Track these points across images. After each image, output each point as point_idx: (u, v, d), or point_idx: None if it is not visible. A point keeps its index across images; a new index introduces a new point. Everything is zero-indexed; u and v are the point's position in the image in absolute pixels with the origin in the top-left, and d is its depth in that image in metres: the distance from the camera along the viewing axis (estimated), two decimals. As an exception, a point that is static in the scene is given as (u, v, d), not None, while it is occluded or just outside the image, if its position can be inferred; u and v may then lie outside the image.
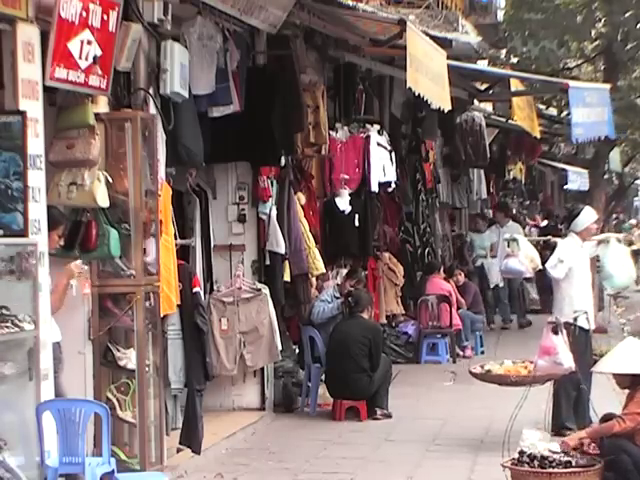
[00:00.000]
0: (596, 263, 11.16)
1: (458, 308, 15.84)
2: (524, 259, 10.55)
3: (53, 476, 6.74)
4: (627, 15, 17.85)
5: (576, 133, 13.61)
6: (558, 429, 9.36)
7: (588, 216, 10.46)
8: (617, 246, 10.78)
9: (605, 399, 9.11)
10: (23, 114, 6.80)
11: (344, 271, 12.88)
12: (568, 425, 9.66)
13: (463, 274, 17.07)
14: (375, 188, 13.85)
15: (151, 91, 8.47)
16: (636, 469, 7.31)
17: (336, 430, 10.66)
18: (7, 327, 6.48)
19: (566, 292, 10.19)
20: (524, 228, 21.74)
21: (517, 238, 10.81)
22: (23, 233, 6.81)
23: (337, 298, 11.89)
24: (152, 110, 8.43)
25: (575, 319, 9.68)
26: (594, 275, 10.87)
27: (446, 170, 19.47)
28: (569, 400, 9.92)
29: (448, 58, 11.46)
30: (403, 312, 15.83)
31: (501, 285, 18.78)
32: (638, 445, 7.40)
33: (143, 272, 8.05)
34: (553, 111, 23.39)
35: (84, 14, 7.11)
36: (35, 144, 6.94)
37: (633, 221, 39.56)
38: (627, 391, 7.74)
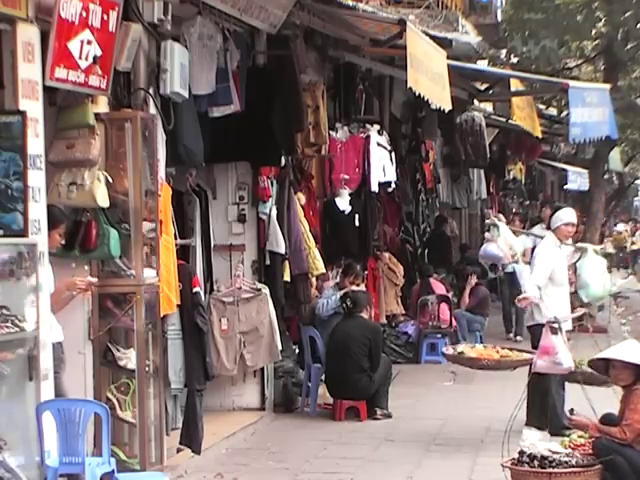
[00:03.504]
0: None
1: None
2: (503, 245, 10.53)
3: (53, 476, 6.74)
4: (627, 15, 17.84)
5: (574, 133, 13.60)
6: (557, 430, 9.35)
7: (562, 217, 10.41)
8: (594, 257, 10.82)
9: (604, 399, 9.10)
10: (23, 114, 6.80)
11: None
12: (566, 424, 9.66)
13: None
14: (375, 188, 13.85)
15: (151, 91, 8.47)
16: (632, 471, 7.32)
17: (336, 430, 10.66)
18: (7, 327, 6.49)
19: (543, 291, 10.14)
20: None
21: (498, 224, 10.80)
22: (23, 233, 6.81)
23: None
24: (152, 110, 8.43)
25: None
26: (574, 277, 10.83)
27: (446, 170, 19.48)
28: (560, 400, 9.95)
29: (448, 58, 11.46)
30: (403, 312, 15.84)
31: None
32: (633, 447, 7.40)
33: (143, 272, 8.05)
34: (553, 111, 23.40)
35: (84, 14, 7.11)
36: (35, 144, 6.94)
37: (621, 227, 39.52)
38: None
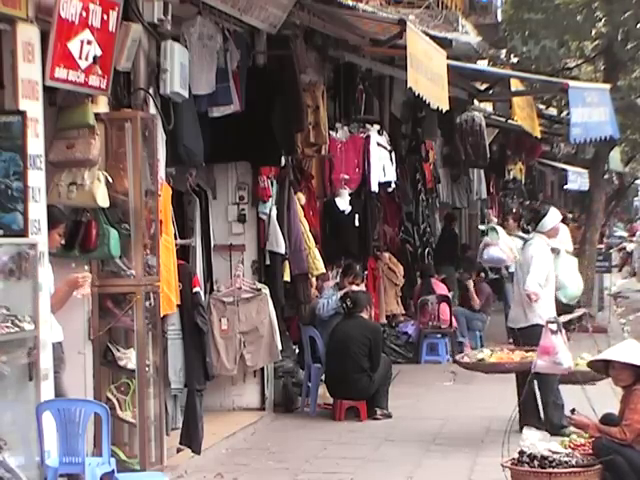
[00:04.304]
0: None
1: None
2: (505, 247, 10.51)
3: (53, 476, 6.74)
4: (627, 15, 17.84)
5: (574, 133, 13.58)
6: (556, 430, 9.35)
7: (555, 216, 10.48)
8: (567, 257, 10.82)
9: (604, 399, 9.09)
10: (23, 114, 6.81)
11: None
12: (565, 424, 9.66)
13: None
14: (375, 188, 13.85)
15: (151, 91, 8.47)
16: (632, 471, 7.32)
17: (336, 430, 10.66)
18: (7, 327, 6.49)
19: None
20: None
21: (496, 227, 10.78)
22: (23, 233, 6.81)
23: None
24: (152, 110, 8.44)
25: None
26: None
27: (446, 170, 19.48)
28: (559, 399, 9.95)
29: (448, 58, 11.45)
30: (403, 312, 15.84)
31: None
32: (633, 448, 7.40)
33: (143, 272, 8.05)
34: (553, 111, 23.39)
35: (84, 14, 7.12)
36: (35, 144, 6.95)
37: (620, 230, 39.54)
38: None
